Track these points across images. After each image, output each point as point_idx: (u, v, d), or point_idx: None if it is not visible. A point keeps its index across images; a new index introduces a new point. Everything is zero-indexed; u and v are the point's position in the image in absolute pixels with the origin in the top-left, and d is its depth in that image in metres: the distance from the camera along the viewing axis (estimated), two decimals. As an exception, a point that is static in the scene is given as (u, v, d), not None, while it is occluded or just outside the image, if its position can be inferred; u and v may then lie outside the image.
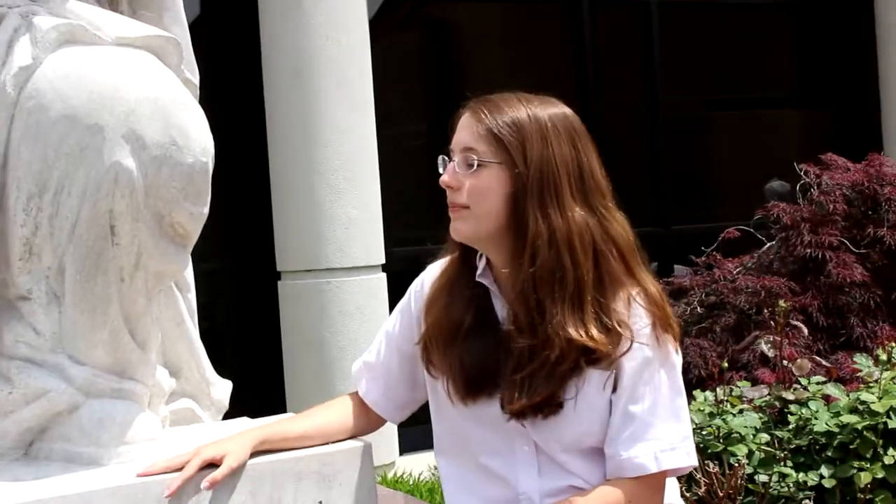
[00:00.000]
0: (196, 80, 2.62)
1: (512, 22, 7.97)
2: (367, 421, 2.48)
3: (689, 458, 2.17)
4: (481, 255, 2.31)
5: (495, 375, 2.22)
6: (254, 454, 2.28)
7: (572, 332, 2.11)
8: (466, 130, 2.25)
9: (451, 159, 2.28)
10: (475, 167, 2.22)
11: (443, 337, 2.30)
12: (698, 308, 5.40)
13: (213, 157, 2.31)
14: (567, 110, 2.29)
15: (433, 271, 2.46)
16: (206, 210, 2.33)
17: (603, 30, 7.78)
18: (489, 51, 8.02)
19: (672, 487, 2.29)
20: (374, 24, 6.55)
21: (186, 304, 2.61)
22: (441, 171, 2.29)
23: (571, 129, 2.26)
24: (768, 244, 5.61)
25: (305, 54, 6.06)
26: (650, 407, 2.16)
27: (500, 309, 2.28)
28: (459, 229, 2.25)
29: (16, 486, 2.11)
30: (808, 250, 5.28)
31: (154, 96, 2.22)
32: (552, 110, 2.26)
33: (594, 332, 2.12)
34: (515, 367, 2.18)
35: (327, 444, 2.40)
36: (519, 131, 2.21)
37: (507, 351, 2.23)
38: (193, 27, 2.79)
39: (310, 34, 6.06)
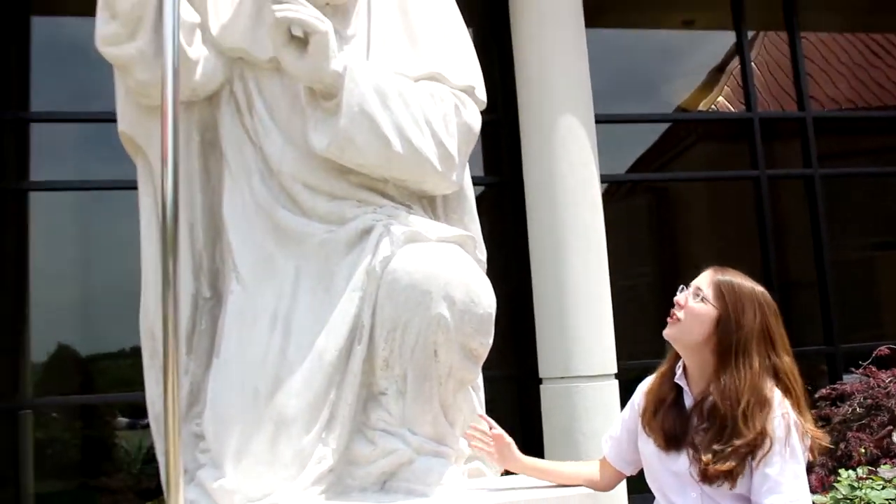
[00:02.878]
0: (483, 258, 2.75)
1: (709, 196, 7.77)
2: (605, 478, 2.59)
3: None
4: (679, 364, 2.42)
5: (682, 439, 2.32)
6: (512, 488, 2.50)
7: (757, 436, 2.21)
8: (705, 278, 2.38)
9: (686, 288, 2.40)
10: (700, 299, 2.34)
11: (653, 406, 2.41)
12: (858, 409, 4.99)
13: (494, 308, 2.46)
14: (768, 294, 2.39)
15: (649, 378, 2.54)
16: (491, 340, 2.47)
17: (778, 196, 7.43)
18: (694, 215, 7.85)
19: None
20: (607, 192, 6.50)
21: (478, 399, 2.73)
22: (678, 294, 2.41)
23: (775, 308, 2.37)
24: (914, 359, 5.20)
25: (558, 222, 6.03)
26: (779, 472, 2.22)
27: (688, 399, 2.37)
28: (667, 332, 2.38)
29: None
30: (946, 364, 4.89)
31: (460, 273, 2.41)
32: (762, 289, 2.38)
33: (763, 434, 2.22)
34: (713, 441, 2.23)
35: (573, 485, 2.54)
36: (740, 300, 2.33)
37: (693, 425, 2.30)
38: (479, 203, 3.05)
39: (564, 210, 6.05)
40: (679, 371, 2.42)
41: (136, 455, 6.47)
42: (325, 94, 2.44)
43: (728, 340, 2.29)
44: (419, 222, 2.53)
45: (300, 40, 2.38)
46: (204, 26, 2.54)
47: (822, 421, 5.05)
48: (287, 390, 2.38)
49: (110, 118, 5.56)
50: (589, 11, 6.34)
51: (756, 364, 2.27)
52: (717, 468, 2.21)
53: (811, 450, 2.30)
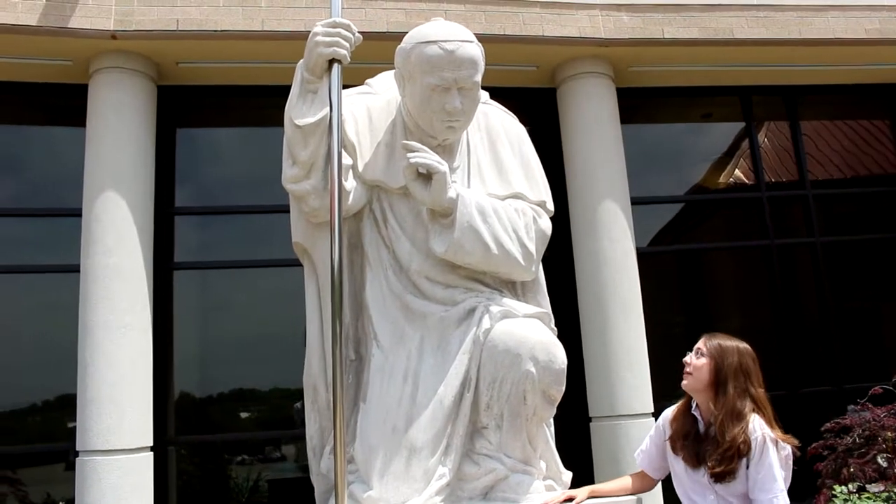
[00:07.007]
0: (554, 326, 2.88)
1: (729, 260, 7.75)
2: (642, 483, 2.92)
3: (786, 502, 2.54)
4: (693, 400, 2.75)
5: (703, 457, 2.64)
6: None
7: (741, 444, 2.54)
8: (702, 341, 2.73)
9: (690, 352, 2.77)
10: (699, 356, 2.68)
11: (680, 436, 2.74)
12: (858, 439, 5.09)
13: (566, 364, 2.67)
14: (748, 346, 2.71)
15: (671, 409, 2.87)
16: (564, 388, 2.67)
17: (786, 260, 7.48)
18: (716, 275, 7.86)
19: None
20: (641, 258, 6.53)
21: (550, 432, 2.89)
22: (686, 356, 2.74)
23: (752, 355, 2.71)
24: (905, 397, 5.26)
25: (602, 287, 6.19)
26: (764, 475, 2.56)
27: (702, 426, 2.69)
28: (684, 384, 2.71)
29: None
30: (935, 400, 4.92)
31: (542, 340, 2.61)
32: (743, 345, 2.72)
33: (745, 442, 2.54)
34: (714, 452, 2.58)
35: (623, 496, 2.82)
36: (723, 352, 2.68)
37: (706, 446, 2.63)
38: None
39: (606, 277, 6.16)
40: (694, 405, 2.74)
41: (244, 485, 6.71)
42: (443, 213, 2.72)
43: (717, 380, 2.64)
44: (510, 303, 2.74)
45: (425, 176, 2.69)
46: (353, 165, 2.83)
47: (828, 450, 5.11)
48: (417, 426, 2.57)
49: (229, 211, 6.01)
50: (624, 111, 6.57)
51: (731, 391, 2.60)
52: (717, 470, 2.54)
53: (793, 448, 2.61)
